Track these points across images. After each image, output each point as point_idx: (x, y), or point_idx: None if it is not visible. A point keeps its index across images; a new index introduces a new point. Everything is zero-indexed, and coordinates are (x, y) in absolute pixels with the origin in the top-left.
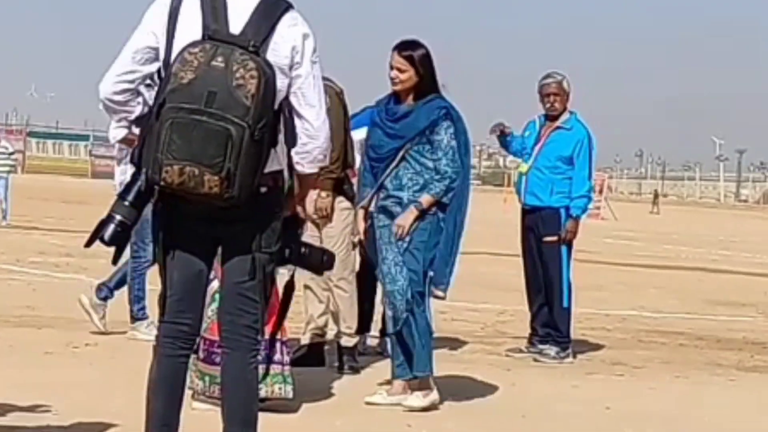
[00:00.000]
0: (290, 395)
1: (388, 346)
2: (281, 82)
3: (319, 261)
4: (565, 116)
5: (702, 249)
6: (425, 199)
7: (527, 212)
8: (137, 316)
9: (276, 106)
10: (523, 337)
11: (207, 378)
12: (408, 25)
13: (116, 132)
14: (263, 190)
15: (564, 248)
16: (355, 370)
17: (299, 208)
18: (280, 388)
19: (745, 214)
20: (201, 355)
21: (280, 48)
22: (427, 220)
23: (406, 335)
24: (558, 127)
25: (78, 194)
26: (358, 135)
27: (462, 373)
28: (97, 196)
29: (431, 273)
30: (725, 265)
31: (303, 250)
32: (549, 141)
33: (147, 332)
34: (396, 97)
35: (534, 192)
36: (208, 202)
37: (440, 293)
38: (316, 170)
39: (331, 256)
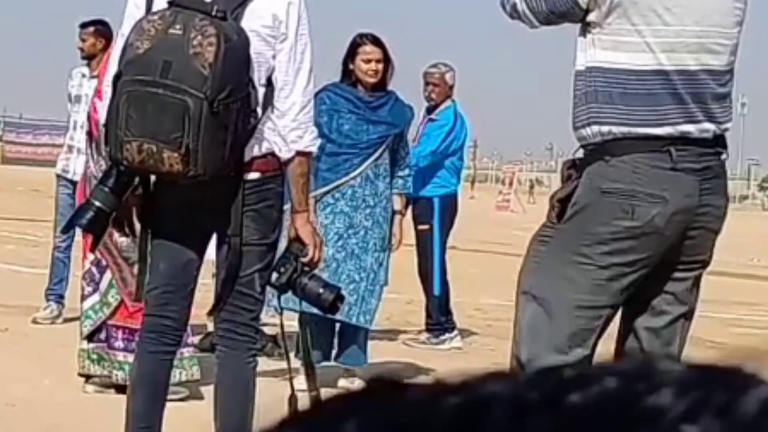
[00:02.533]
0: (199, 375)
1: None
2: (263, 52)
3: (321, 298)
4: (442, 107)
5: None
6: (399, 202)
7: (410, 203)
8: (46, 295)
9: (261, 79)
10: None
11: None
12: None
13: None
14: (255, 176)
15: (437, 237)
16: (281, 356)
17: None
18: (197, 371)
19: None
20: (121, 344)
21: (258, 14)
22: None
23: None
24: (431, 119)
25: None
26: None
27: (373, 360)
28: (8, 182)
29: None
30: None
31: (300, 279)
32: (423, 134)
33: (44, 314)
34: (352, 85)
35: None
36: (190, 188)
37: None
38: (290, 155)
39: (339, 298)
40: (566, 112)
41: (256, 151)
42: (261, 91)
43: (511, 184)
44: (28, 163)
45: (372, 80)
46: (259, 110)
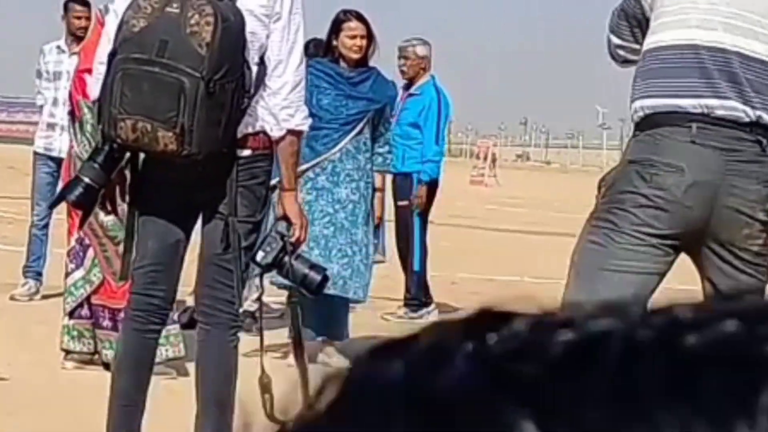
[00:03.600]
0: (184, 352)
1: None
2: (257, 31)
3: (307, 279)
4: (420, 81)
5: (584, 215)
6: (378, 179)
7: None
8: (23, 272)
9: (255, 58)
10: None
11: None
12: None
13: None
14: (246, 153)
15: (417, 213)
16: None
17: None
18: (183, 347)
19: None
20: (109, 324)
21: None
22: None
23: (338, 299)
24: (410, 94)
25: None
26: None
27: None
28: None
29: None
30: None
31: (287, 258)
32: (402, 108)
33: (22, 291)
34: (334, 62)
35: None
36: (182, 166)
37: (381, 257)
38: (281, 133)
39: (326, 279)
40: (541, 88)
41: (247, 129)
42: (254, 69)
43: (485, 158)
44: (3, 141)
45: (356, 56)
46: (253, 90)
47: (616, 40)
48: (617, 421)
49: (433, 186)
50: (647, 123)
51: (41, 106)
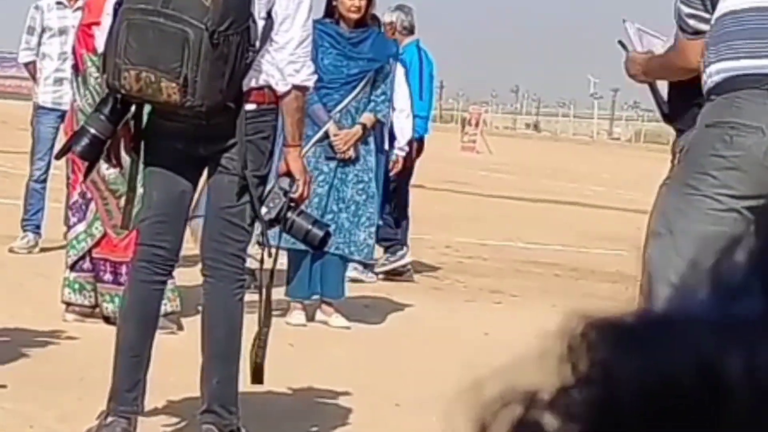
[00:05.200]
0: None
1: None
2: None
3: (309, 235)
4: (404, 44)
5: (575, 184)
6: (366, 117)
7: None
8: (22, 225)
9: (262, 12)
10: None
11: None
12: None
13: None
14: (251, 107)
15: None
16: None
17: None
18: (180, 302)
19: (618, 152)
20: (110, 277)
21: None
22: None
23: (335, 260)
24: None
25: None
26: None
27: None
28: None
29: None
30: (598, 201)
31: (290, 214)
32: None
33: (21, 244)
34: (335, 22)
35: None
36: (188, 118)
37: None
38: (287, 88)
39: (328, 236)
40: (532, 55)
41: (253, 83)
42: (260, 24)
43: (477, 125)
44: None
45: (355, 16)
46: (258, 44)
47: (686, 9)
48: None
49: (419, 143)
50: (725, 86)
51: (27, 63)
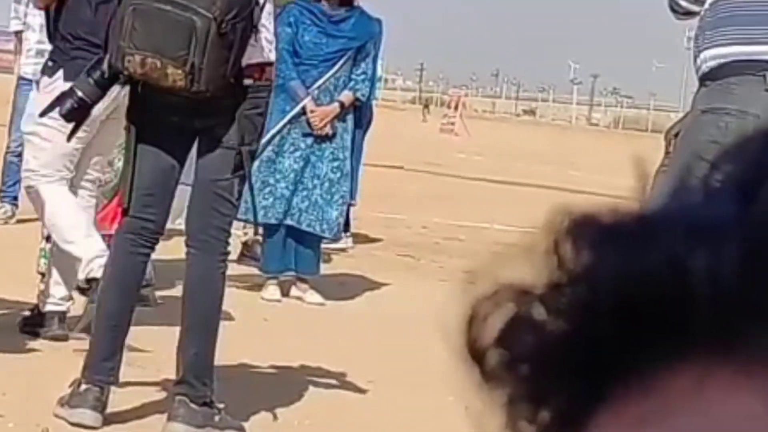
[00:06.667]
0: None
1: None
2: None
3: None
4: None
5: (553, 168)
6: (345, 95)
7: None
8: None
9: None
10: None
11: None
12: None
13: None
14: (247, 82)
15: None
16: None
17: None
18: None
19: (596, 137)
20: None
21: None
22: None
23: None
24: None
25: None
26: None
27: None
28: None
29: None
30: (576, 185)
31: None
32: None
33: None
34: (318, 0)
35: None
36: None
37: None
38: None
39: None
40: (513, 39)
41: (250, 59)
42: (261, 2)
43: (456, 107)
44: None
45: None
46: (259, 25)
47: None
48: None
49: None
50: (719, 72)
51: (16, 32)
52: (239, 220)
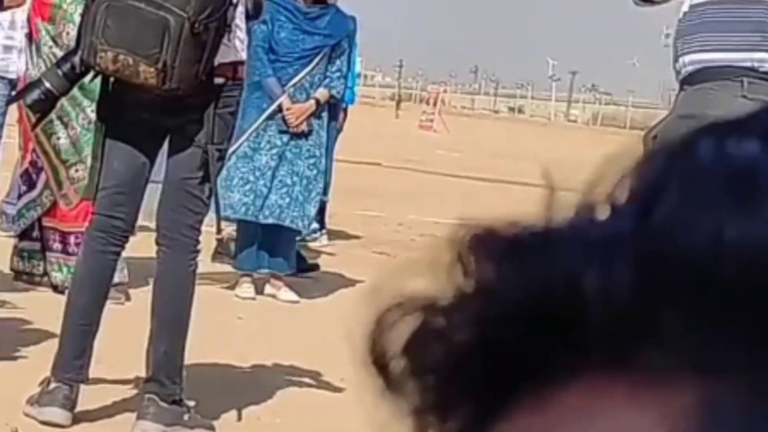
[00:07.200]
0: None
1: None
2: None
3: None
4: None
5: (531, 164)
6: (321, 93)
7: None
8: None
9: None
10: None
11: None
12: None
13: None
14: (219, 81)
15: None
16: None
17: None
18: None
19: (575, 134)
20: (59, 246)
21: None
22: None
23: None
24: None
25: None
26: None
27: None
28: None
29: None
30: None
31: None
32: None
33: None
34: None
35: None
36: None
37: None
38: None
39: None
40: (492, 36)
41: (223, 59)
42: (234, 2)
43: (435, 104)
44: None
45: None
46: (232, 24)
47: None
48: None
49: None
50: (697, 77)
51: None
52: (226, 220)
